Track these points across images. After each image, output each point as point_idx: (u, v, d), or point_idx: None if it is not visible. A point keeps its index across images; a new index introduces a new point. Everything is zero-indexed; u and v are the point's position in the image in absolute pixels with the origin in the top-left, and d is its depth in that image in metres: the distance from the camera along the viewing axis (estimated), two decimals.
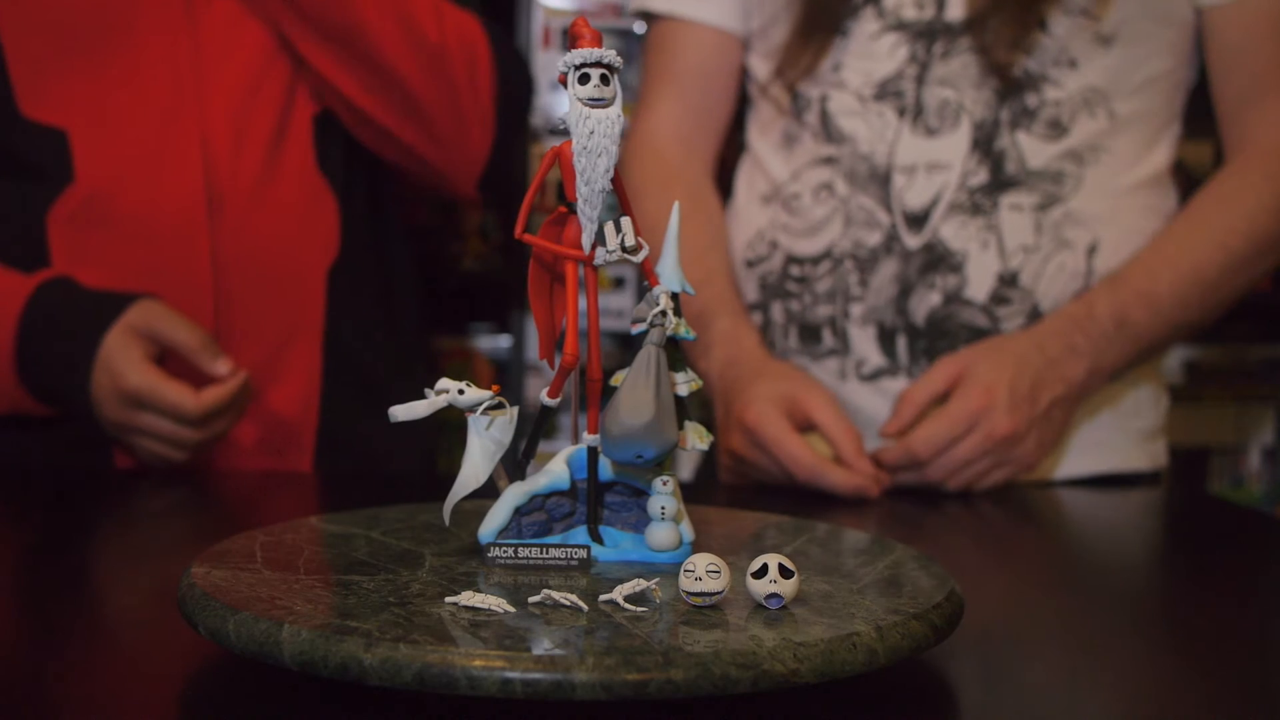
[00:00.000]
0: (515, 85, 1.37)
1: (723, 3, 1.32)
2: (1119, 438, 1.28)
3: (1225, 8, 1.23)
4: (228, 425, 1.18)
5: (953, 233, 1.22)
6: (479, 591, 0.63)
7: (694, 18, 1.32)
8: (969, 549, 1.01)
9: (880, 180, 1.23)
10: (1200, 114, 1.30)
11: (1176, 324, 1.21)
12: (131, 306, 1.16)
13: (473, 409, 0.69)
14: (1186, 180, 1.67)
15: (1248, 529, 1.12)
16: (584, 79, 0.66)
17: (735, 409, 1.17)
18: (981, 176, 1.22)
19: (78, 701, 0.62)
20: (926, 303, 1.22)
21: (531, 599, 0.63)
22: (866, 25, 1.24)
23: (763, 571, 0.62)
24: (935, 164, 1.22)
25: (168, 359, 1.16)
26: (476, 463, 0.70)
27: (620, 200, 0.71)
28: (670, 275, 0.73)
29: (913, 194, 1.22)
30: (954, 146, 1.22)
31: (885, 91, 1.24)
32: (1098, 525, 1.14)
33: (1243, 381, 2.46)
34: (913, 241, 1.22)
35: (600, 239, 0.68)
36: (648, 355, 0.68)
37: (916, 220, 1.22)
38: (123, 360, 1.13)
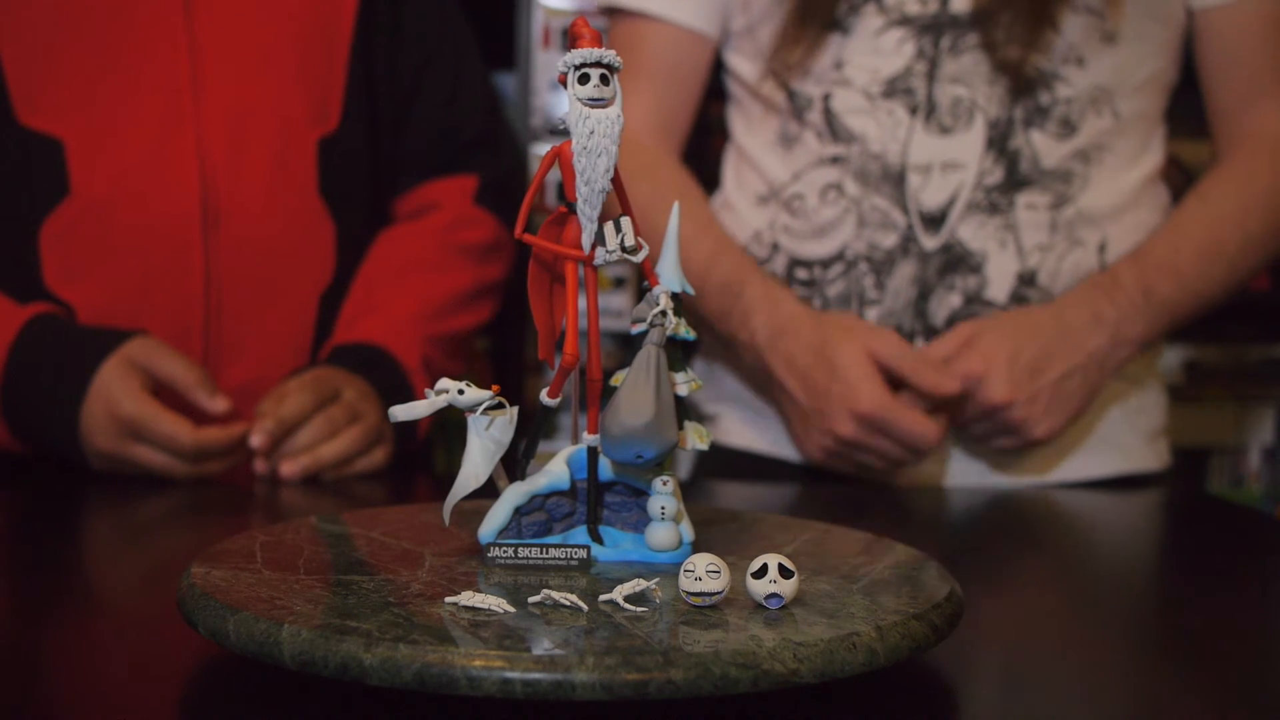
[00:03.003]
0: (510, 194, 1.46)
1: (695, 3, 1.30)
2: (1130, 438, 1.28)
3: (1220, 10, 1.23)
4: (220, 469, 1.16)
5: (971, 233, 1.20)
6: (479, 591, 0.63)
7: (666, 17, 1.30)
8: (969, 549, 1.00)
9: (894, 180, 1.21)
10: (1200, 114, 1.29)
11: (1200, 296, 1.21)
12: (129, 340, 1.16)
13: (473, 409, 0.69)
14: (1186, 180, 1.67)
15: (1248, 529, 1.12)
16: (584, 79, 0.66)
17: (836, 395, 1.14)
18: (997, 175, 1.20)
19: (78, 701, 0.62)
20: (946, 305, 1.21)
21: (531, 599, 0.63)
22: (869, 21, 1.22)
23: (763, 571, 0.62)
24: (950, 163, 1.20)
25: (162, 397, 1.15)
26: (476, 463, 0.70)
27: (620, 200, 0.71)
28: (670, 275, 0.73)
29: (929, 194, 1.21)
30: (969, 145, 1.20)
31: (894, 89, 1.22)
32: (1097, 525, 1.14)
33: (1243, 381, 2.46)
34: (930, 243, 1.20)
35: (600, 239, 0.68)
36: (648, 355, 0.68)
37: (934, 221, 1.20)
38: (120, 389, 1.13)
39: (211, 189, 1.23)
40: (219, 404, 1.15)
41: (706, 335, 1.29)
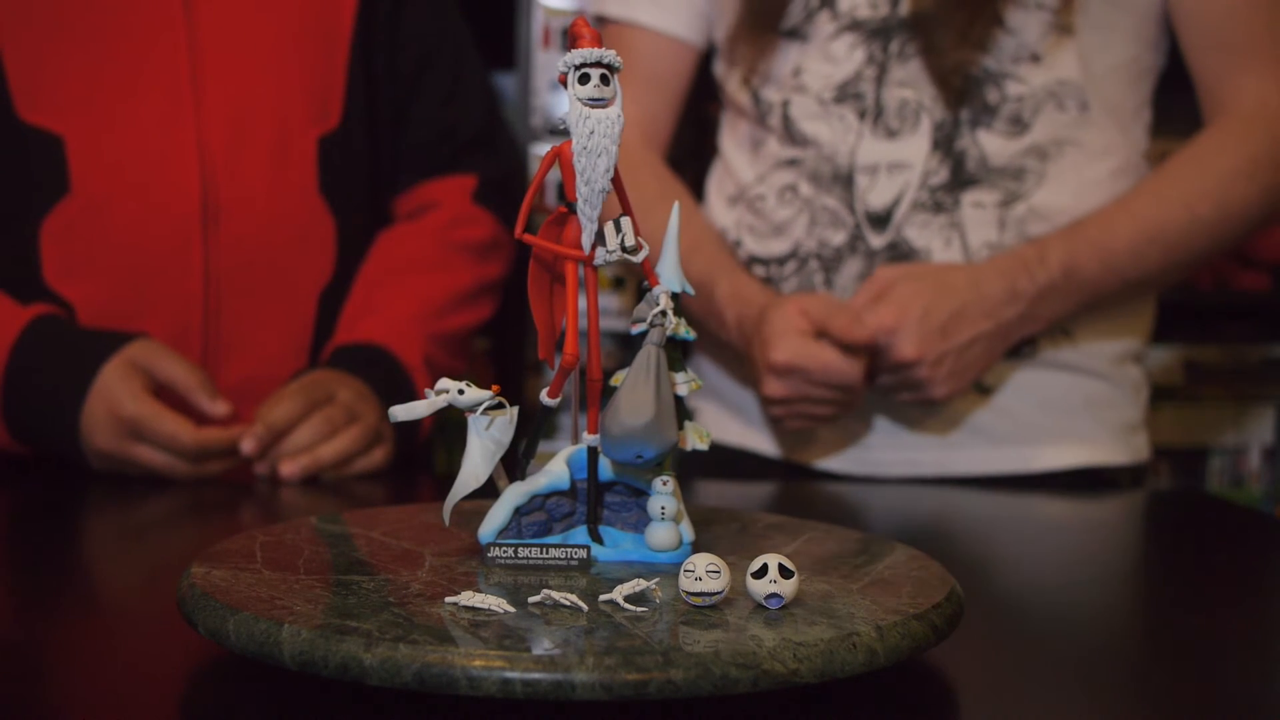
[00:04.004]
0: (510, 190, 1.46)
1: (679, 12, 1.34)
2: (1096, 430, 1.28)
3: None
4: (221, 469, 1.16)
5: (916, 231, 1.22)
6: (479, 591, 0.63)
7: (651, 25, 1.34)
8: (969, 549, 1.01)
9: (843, 181, 1.24)
10: (1196, 114, 1.29)
11: (1129, 279, 1.20)
12: (131, 342, 1.16)
13: (473, 409, 0.69)
14: None
15: (1248, 529, 1.12)
16: (584, 79, 0.66)
17: (759, 356, 1.17)
18: (942, 175, 1.22)
19: (78, 701, 0.62)
20: None
21: (531, 599, 0.63)
22: (823, 27, 1.25)
23: (763, 571, 0.62)
24: (897, 164, 1.23)
25: (163, 399, 1.15)
26: (476, 463, 0.70)
27: (620, 200, 0.71)
28: (670, 275, 0.73)
29: (875, 194, 1.23)
30: (915, 147, 1.22)
31: (845, 94, 1.24)
32: (1098, 525, 1.14)
33: (1243, 381, 2.46)
34: (877, 241, 1.22)
35: (600, 239, 0.68)
36: (648, 355, 0.68)
37: (880, 220, 1.22)
38: (121, 389, 1.13)
39: (211, 186, 1.23)
40: (219, 407, 1.15)
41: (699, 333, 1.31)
